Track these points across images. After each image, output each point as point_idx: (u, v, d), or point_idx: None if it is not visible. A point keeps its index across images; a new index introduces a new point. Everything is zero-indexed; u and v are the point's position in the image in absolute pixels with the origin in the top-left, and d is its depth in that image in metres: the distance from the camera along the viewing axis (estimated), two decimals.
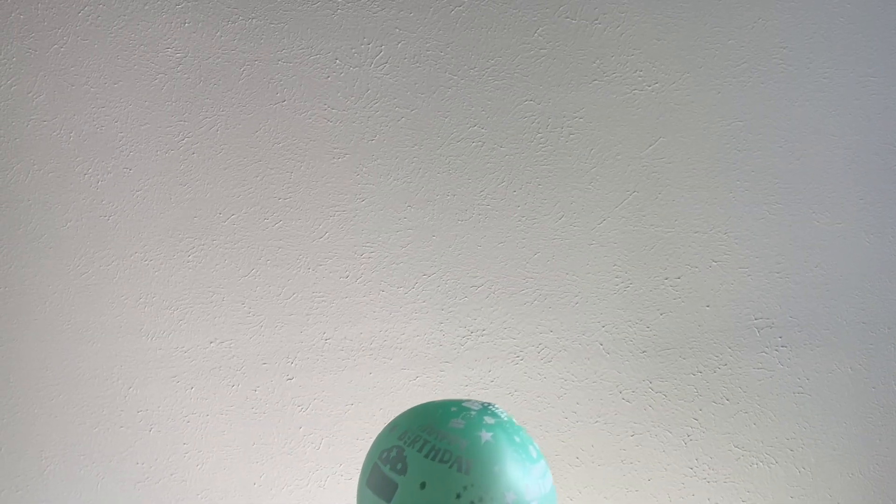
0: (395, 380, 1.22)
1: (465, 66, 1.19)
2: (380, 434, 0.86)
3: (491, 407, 0.86)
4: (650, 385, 1.23)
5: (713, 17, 1.21)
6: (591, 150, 1.21)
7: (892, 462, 1.26)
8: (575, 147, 1.21)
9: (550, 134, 1.21)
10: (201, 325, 1.20)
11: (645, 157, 1.21)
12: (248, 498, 1.22)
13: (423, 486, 0.76)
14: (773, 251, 1.23)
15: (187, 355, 1.21)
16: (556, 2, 1.19)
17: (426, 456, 0.78)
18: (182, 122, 1.18)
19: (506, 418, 0.85)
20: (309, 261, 1.20)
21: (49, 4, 1.17)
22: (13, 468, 1.21)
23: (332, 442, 1.22)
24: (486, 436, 0.80)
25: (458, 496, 0.75)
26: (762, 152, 1.22)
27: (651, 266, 1.22)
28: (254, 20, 1.18)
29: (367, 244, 1.21)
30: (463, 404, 0.86)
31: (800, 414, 1.24)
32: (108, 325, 1.20)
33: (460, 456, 0.77)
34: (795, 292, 1.23)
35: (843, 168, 1.23)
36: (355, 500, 0.82)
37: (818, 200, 1.23)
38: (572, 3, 1.19)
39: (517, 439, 0.83)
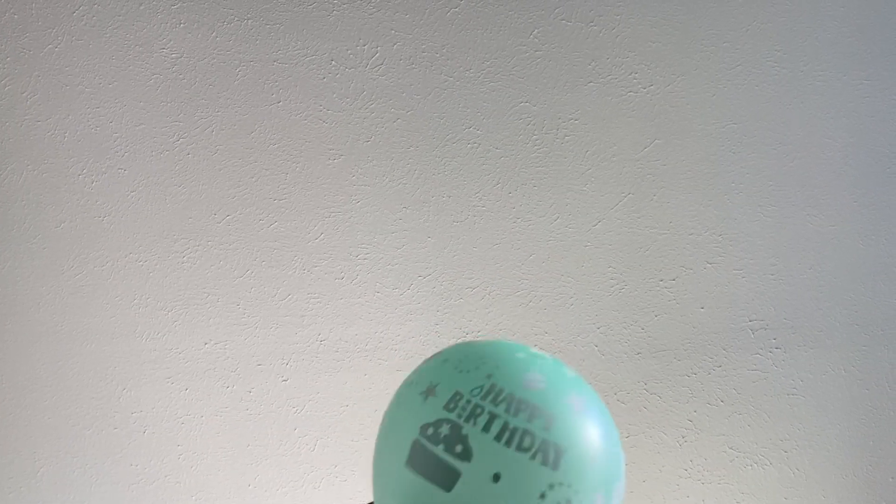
0: (390, 381, 1.21)
1: (461, 68, 1.19)
2: (406, 390, 0.63)
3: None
4: (645, 387, 1.24)
5: (708, 20, 1.21)
6: (586, 152, 1.21)
7: (885, 463, 1.26)
8: (570, 149, 1.21)
9: (546, 136, 1.21)
10: (196, 326, 1.20)
11: (640, 159, 1.22)
12: (242, 499, 1.22)
13: (496, 478, 0.56)
14: (767, 253, 1.23)
15: (182, 356, 1.20)
16: (552, 4, 1.20)
17: (497, 439, 0.56)
18: (177, 123, 1.18)
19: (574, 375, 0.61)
20: (304, 262, 1.20)
21: (44, 4, 1.16)
22: (6, 470, 1.21)
23: (327, 443, 1.22)
24: (576, 401, 0.57)
25: (543, 496, 0.56)
26: (756, 154, 1.23)
27: (646, 268, 1.23)
28: (249, 21, 1.17)
29: (363, 245, 1.20)
30: (531, 350, 0.62)
31: (794, 415, 1.25)
32: (102, 327, 1.19)
33: (546, 440, 0.56)
34: (789, 294, 1.24)
35: (836, 170, 1.24)
36: (372, 480, 0.65)
37: (812, 203, 1.24)
38: (568, 5, 1.20)
39: (605, 408, 0.60)
